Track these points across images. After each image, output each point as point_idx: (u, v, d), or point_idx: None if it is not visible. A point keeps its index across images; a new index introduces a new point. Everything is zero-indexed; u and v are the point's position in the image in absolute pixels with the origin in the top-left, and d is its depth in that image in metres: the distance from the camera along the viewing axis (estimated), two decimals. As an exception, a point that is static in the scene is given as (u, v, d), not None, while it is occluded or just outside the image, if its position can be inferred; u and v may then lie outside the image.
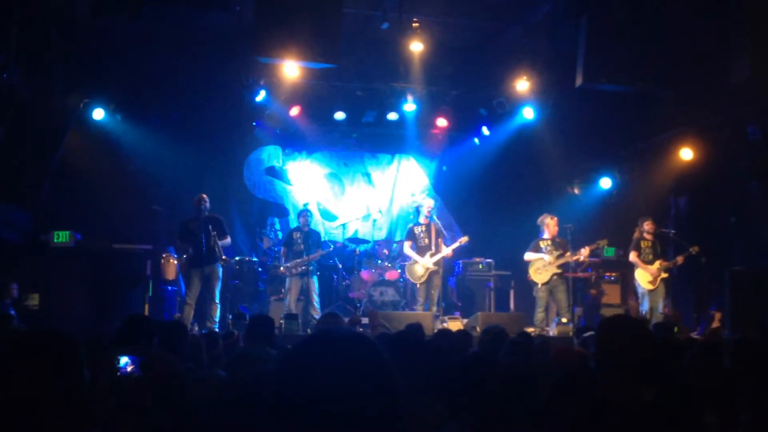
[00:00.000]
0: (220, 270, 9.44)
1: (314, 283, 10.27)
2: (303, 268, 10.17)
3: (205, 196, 9.51)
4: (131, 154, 11.10)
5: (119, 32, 9.83)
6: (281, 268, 10.35)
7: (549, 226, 10.24)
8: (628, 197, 12.29)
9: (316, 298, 10.21)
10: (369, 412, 1.29)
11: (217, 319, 9.42)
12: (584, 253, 10.14)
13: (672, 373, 3.68)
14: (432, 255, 10.08)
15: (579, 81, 9.56)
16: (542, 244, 10.22)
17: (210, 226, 9.25)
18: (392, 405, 1.32)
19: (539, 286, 10.14)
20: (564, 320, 9.96)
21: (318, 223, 12.56)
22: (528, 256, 10.28)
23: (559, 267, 10.03)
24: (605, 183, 12.52)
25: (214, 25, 10.32)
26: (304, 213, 10.81)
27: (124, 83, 10.72)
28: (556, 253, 10.06)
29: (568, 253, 10.06)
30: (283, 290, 10.78)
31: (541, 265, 10.12)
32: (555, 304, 10.28)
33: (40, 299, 9.02)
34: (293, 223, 12.60)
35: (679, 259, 9.90)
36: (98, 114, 10.76)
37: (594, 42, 9.40)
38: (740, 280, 9.56)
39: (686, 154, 11.03)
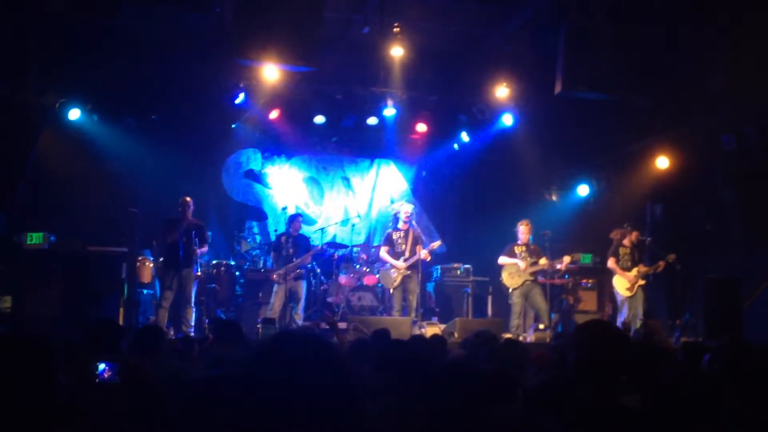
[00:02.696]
0: (196, 270, 9.44)
1: (303, 288, 10.23)
2: (295, 272, 10.12)
3: (189, 199, 9.51)
4: (107, 155, 10.97)
5: (97, 31, 9.71)
6: (273, 275, 10.25)
7: (520, 231, 10.36)
8: (605, 204, 12.41)
9: (302, 303, 10.17)
10: (327, 411, 1.30)
11: (192, 323, 9.38)
12: (565, 261, 10.23)
13: (655, 378, 3.70)
14: (405, 260, 10.12)
15: (558, 88, 9.62)
16: (517, 250, 10.35)
17: (193, 232, 9.30)
18: (350, 404, 1.34)
19: (511, 291, 10.23)
20: (541, 326, 10.03)
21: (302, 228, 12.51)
22: (502, 260, 10.40)
23: (532, 274, 10.15)
24: (583, 190, 12.63)
25: (194, 26, 10.24)
26: (297, 218, 10.82)
27: (101, 83, 10.58)
28: (530, 260, 10.16)
29: (543, 260, 10.16)
30: (260, 294, 10.72)
31: (515, 270, 10.24)
32: (532, 310, 10.37)
33: (12, 302, 8.86)
34: (271, 226, 12.54)
35: (661, 265, 10.02)
36: (74, 114, 10.62)
37: (573, 50, 9.47)
38: (715, 287, 9.67)
39: (662, 162, 11.16)
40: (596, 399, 2.50)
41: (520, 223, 10.49)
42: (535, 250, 10.36)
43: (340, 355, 1.39)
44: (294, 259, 10.16)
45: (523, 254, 10.29)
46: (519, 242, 10.42)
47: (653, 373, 3.67)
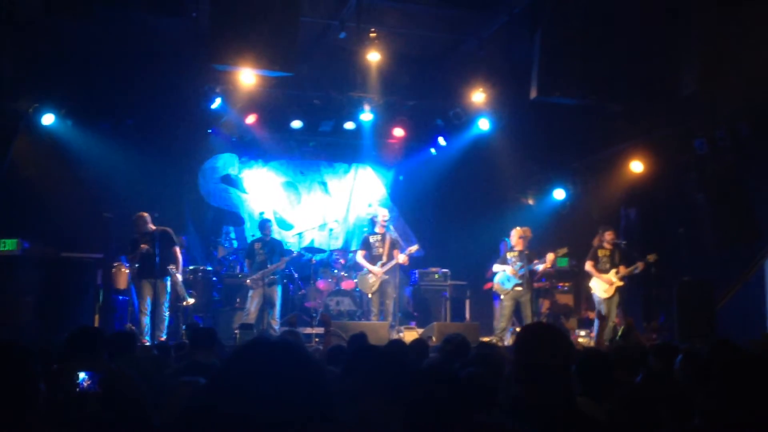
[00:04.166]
0: (168, 283, 9.44)
1: (277, 293, 10.23)
2: (269, 278, 10.11)
3: (144, 214, 9.49)
4: (82, 160, 10.85)
5: (71, 35, 9.63)
6: (247, 281, 10.23)
7: (512, 237, 10.47)
8: (580, 208, 12.52)
9: (277, 308, 10.16)
10: (301, 417, 1.31)
11: (164, 329, 9.37)
12: (549, 259, 10.29)
13: (623, 384, 3.73)
14: (383, 264, 10.14)
15: (533, 94, 9.71)
16: (509, 255, 10.43)
17: (156, 242, 9.27)
18: (324, 409, 1.35)
19: (502, 296, 10.29)
20: (519, 330, 10.07)
21: (274, 233, 12.47)
22: (495, 267, 10.53)
23: (520, 278, 10.17)
24: (559, 194, 12.73)
25: (170, 30, 10.18)
26: (266, 223, 10.80)
27: (75, 88, 10.47)
28: (518, 264, 10.21)
29: (536, 261, 10.22)
30: (238, 300, 10.67)
31: (504, 276, 10.32)
32: (515, 315, 10.46)
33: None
34: (249, 231, 12.49)
35: (640, 266, 10.12)
36: (48, 119, 10.50)
37: (547, 56, 9.56)
38: (688, 290, 9.80)
39: (636, 166, 11.30)
40: (535, 401, 2.51)
41: (512, 230, 10.54)
42: (529, 255, 10.36)
43: (314, 363, 1.41)
44: (268, 265, 10.16)
45: (513, 260, 10.37)
46: (512, 248, 10.47)
47: (624, 377, 3.71)
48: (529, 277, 10.20)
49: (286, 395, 1.31)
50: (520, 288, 10.18)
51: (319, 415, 1.33)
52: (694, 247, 10.61)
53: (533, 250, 10.51)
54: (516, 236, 10.42)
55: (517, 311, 10.51)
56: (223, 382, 1.35)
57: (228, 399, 1.31)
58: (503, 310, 10.30)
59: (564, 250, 10.70)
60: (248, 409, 1.28)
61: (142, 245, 9.35)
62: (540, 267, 10.34)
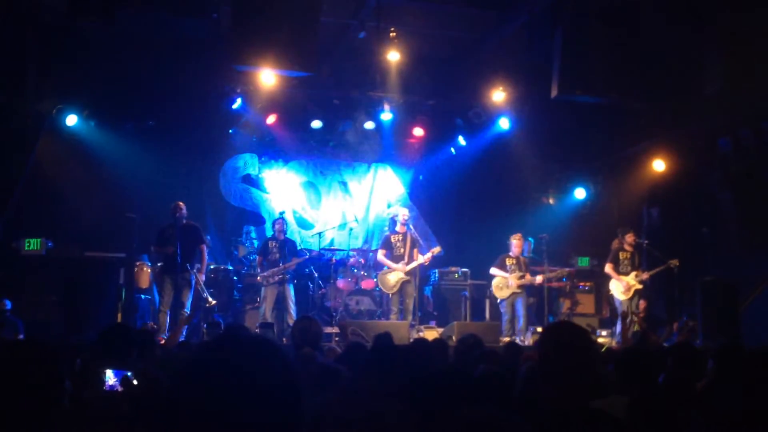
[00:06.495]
0: (193, 279, 9.45)
1: (290, 291, 10.27)
2: (279, 277, 10.16)
3: (181, 204, 9.54)
4: (105, 161, 10.96)
5: (94, 37, 9.71)
6: (258, 278, 10.32)
7: (513, 244, 10.70)
8: (602, 208, 12.43)
9: (292, 306, 10.22)
10: (272, 414, 1.29)
11: (185, 329, 9.39)
12: (538, 280, 10.59)
13: (644, 383, 3.70)
14: (405, 264, 10.16)
15: (554, 92, 9.65)
16: (508, 262, 10.65)
17: (186, 235, 9.28)
18: (295, 408, 1.33)
19: (499, 301, 10.63)
20: (540, 329, 10.07)
21: (294, 232, 12.52)
22: (494, 271, 10.73)
23: (519, 287, 10.49)
24: (580, 193, 12.65)
25: (191, 31, 10.25)
26: (280, 221, 10.82)
27: (98, 89, 10.58)
28: (518, 274, 10.51)
29: (527, 275, 10.50)
30: (258, 299, 10.73)
31: (504, 283, 10.57)
32: (515, 316, 10.54)
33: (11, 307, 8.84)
34: (269, 231, 12.54)
35: (660, 268, 10.08)
36: (71, 120, 10.61)
37: (568, 54, 9.50)
38: (711, 289, 9.69)
39: (659, 165, 11.20)
40: (560, 401, 2.49)
41: (512, 237, 10.74)
42: (524, 262, 10.65)
43: (285, 359, 1.38)
44: (280, 263, 10.19)
45: (512, 267, 10.60)
46: (510, 254, 10.62)
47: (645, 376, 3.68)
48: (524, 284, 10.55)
49: (254, 392, 1.28)
50: (515, 294, 10.49)
51: (288, 415, 1.31)
52: (717, 246, 10.49)
53: (546, 250, 10.81)
54: (519, 243, 10.65)
55: (538, 310, 10.60)
56: (189, 377, 1.32)
57: (193, 395, 1.28)
58: (504, 314, 10.55)
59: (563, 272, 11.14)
60: (213, 405, 1.26)
61: (169, 248, 9.36)
62: (535, 283, 10.57)
